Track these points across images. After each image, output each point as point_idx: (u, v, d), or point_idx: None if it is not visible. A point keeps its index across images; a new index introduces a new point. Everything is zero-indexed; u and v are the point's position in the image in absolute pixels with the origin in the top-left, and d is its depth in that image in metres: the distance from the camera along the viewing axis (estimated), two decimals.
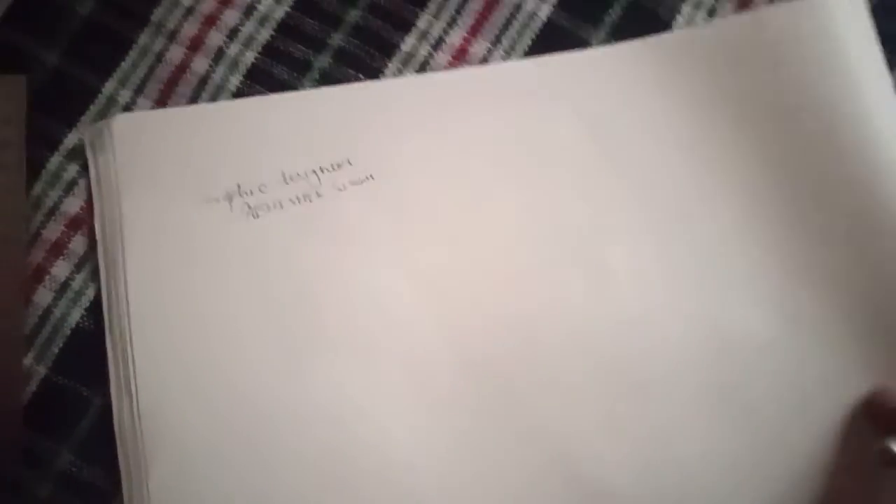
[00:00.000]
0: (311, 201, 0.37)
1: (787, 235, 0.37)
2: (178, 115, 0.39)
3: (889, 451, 0.32)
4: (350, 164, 0.38)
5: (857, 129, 0.37)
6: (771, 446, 0.36)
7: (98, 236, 0.37)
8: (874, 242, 0.37)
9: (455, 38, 0.40)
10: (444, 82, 0.39)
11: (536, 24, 0.40)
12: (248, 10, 0.40)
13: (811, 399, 0.36)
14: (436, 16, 0.40)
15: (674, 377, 0.36)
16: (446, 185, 0.38)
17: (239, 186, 0.37)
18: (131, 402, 0.35)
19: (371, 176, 0.38)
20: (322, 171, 0.38)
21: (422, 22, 0.40)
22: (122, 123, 0.38)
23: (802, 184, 0.37)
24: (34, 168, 0.38)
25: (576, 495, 0.35)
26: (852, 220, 0.37)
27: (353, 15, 0.40)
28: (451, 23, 0.40)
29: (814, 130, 0.37)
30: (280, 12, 0.40)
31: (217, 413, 0.35)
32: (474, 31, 0.40)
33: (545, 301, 0.37)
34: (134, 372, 0.36)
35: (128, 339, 0.36)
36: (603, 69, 0.39)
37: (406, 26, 0.40)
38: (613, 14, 0.40)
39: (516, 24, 0.40)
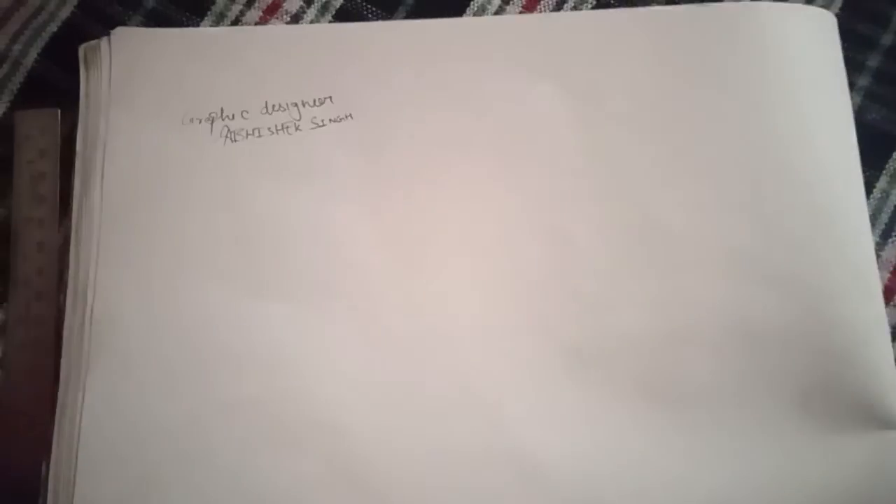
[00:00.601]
0: (289, 133, 0.37)
1: (744, 228, 0.36)
2: (175, 36, 0.39)
3: None
4: (332, 101, 0.38)
5: (811, 142, 0.37)
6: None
7: (78, 148, 0.38)
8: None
9: None
10: (439, 30, 0.39)
11: None
12: None
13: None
14: None
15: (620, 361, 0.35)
16: (423, 135, 0.37)
17: (222, 110, 0.38)
18: (85, 307, 0.35)
19: (350, 115, 0.38)
20: (304, 104, 0.38)
21: None
22: (119, 36, 0.39)
23: (761, 180, 0.36)
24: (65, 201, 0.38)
25: (504, 455, 0.34)
26: (804, 217, 0.36)
27: None
28: None
29: (783, 130, 0.37)
30: None
31: (165, 333, 0.35)
32: None
33: (503, 265, 0.36)
34: (95, 279, 0.36)
35: (94, 246, 0.36)
36: (596, 34, 0.39)
37: None
38: None
39: None
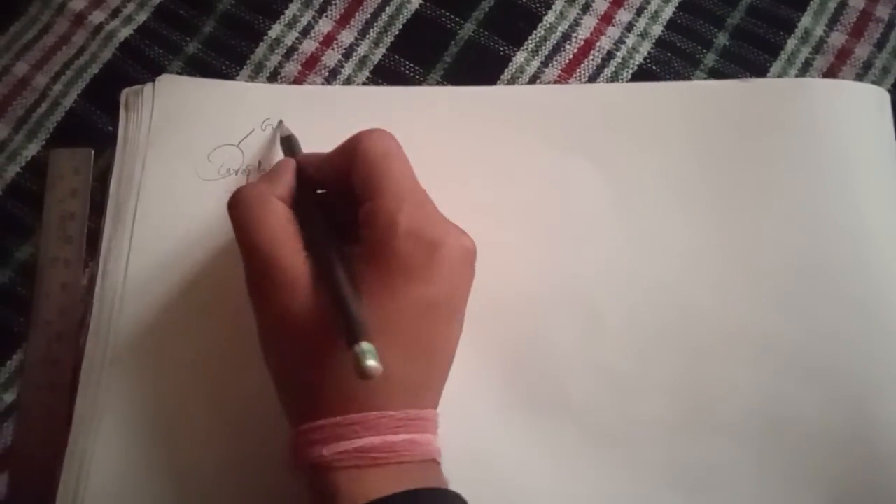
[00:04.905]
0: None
1: (782, 317, 0.35)
2: (217, 87, 0.40)
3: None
4: None
5: (860, 229, 0.36)
6: None
7: (112, 189, 0.38)
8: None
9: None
10: (475, 97, 0.39)
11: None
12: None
13: None
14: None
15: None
16: (455, 201, 0.36)
17: (259, 163, 0.38)
18: (105, 349, 0.35)
19: None
20: None
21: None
22: (163, 83, 0.39)
23: (804, 267, 0.35)
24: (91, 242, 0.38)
25: None
26: (848, 309, 0.34)
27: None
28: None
29: (830, 216, 0.36)
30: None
31: (184, 376, 0.35)
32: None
33: (530, 337, 0.35)
34: (119, 321, 0.36)
35: (120, 288, 0.36)
36: (633, 108, 0.38)
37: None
38: None
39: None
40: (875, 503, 0.32)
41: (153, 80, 0.39)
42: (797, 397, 0.33)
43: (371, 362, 0.25)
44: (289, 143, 0.36)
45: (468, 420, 0.33)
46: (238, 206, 0.31)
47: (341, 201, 0.31)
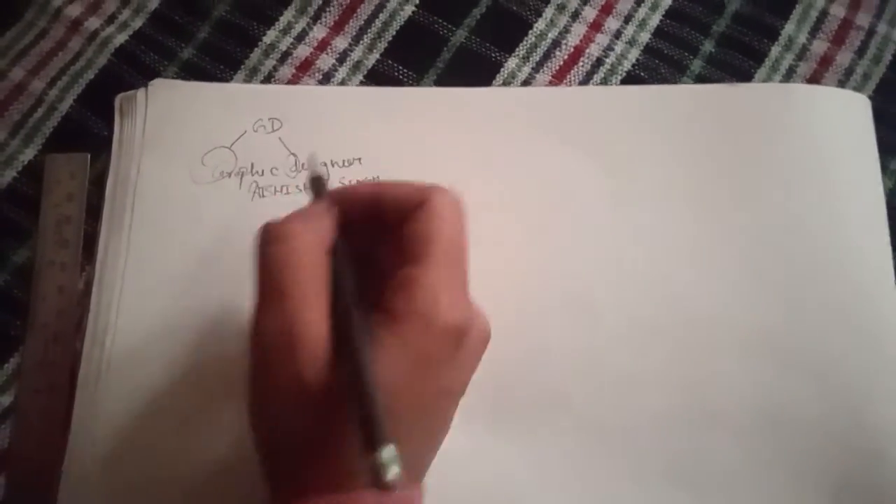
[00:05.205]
0: None
1: (777, 312, 0.36)
2: (211, 90, 0.40)
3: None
4: (360, 163, 0.38)
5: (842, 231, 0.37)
6: None
7: (108, 194, 0.38)
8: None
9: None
10: (469, 98, 0.40)
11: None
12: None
13: None
14: None
15: None
16: None
17: (252, 165, 0.38)
18: (102, 352, 0.35)
19: (377, 177, 0.38)
20: (333, 164, 0.38)
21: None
22: (156, 88, 0.40)
23: (793, 264, 0.36)
24: (88, 246, 0.38)
25: None
26: (837, 304, 0.35)
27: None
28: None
29: (814, 214, 0.37)
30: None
31: (180, 380, 0.35)
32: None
33: (526, 334, 0.36)
34: (116, 324, 0.36)
35: (117, 291, 0.36)
36: (625, 110, 0.39)
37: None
38: None
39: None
40: (874, 496, 0.33)
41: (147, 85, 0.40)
42: (793, 390, 0.34)
43: (393, 474, 0.23)
44: (318, 185, 0.31)
45: (462, 415, 0.33)
46: (271, 244, 0.27)
47: (361, 239, 0.29)
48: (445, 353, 0.27)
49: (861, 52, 0.41)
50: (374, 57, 0.41)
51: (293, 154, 0.38)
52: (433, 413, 0.27)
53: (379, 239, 0.29)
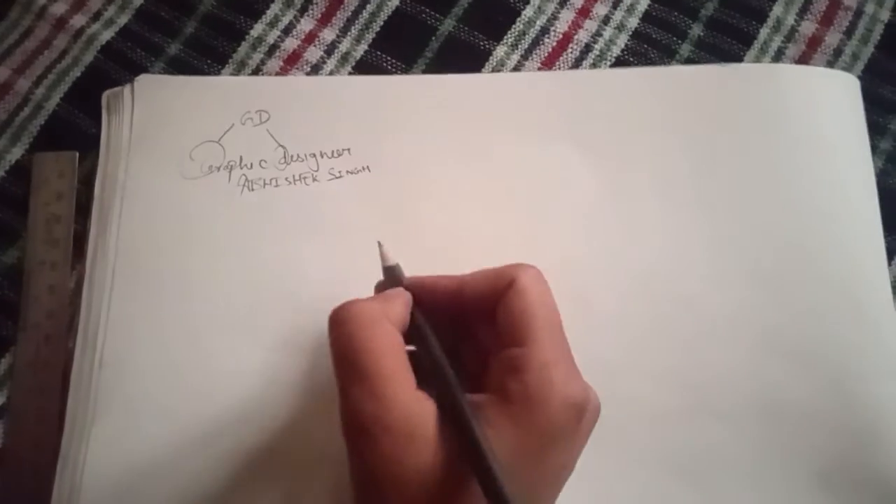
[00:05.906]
0: (306, 184, 0.37)
1: (765, 298, 0.35)
2: (197, 84, 0.40)
3: None
4: (350, 153, 0.38)
5: (835, 206, 0.37)
6: None
7: (96, 192, 0.38)
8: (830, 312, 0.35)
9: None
10: (458, 85, 0.39)
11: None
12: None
13: None
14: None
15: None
16: (439, 189, 0.37)
17: (241, 158, 0.38)
18: (94, 352, 0.35)
19: (367, 167, 0.38)
20: (322, 156, 0.38)
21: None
22: (142, 83, 0.39)
23: (783, 248, 0.36)
24: (78, 245, 0.38)
25: None
26: (825, 289, 0.35)
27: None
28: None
29: (804, 197, 0.37)
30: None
31: (173, 382, 0.35)
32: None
33: None
34: (107, 322, 0.35)
35: (107, 290, 0.36)
36: (614, 93, 0.39)
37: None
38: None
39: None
40: (867, 476, 0.33)
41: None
42: (787, 379, 0.34)
43: None
44: (393, 273, 0.30)
45: None
46: (347, 324, 0.26)
47: (446, 333, 0.29)
48: (568, 429, 0.26)
49: (849, 32, 0.41)
50: (363, 48, 0.41)
51: (281, 146, 0.38)
52: (551, 489, 0.27)
53: (458, 332, 0.29)
